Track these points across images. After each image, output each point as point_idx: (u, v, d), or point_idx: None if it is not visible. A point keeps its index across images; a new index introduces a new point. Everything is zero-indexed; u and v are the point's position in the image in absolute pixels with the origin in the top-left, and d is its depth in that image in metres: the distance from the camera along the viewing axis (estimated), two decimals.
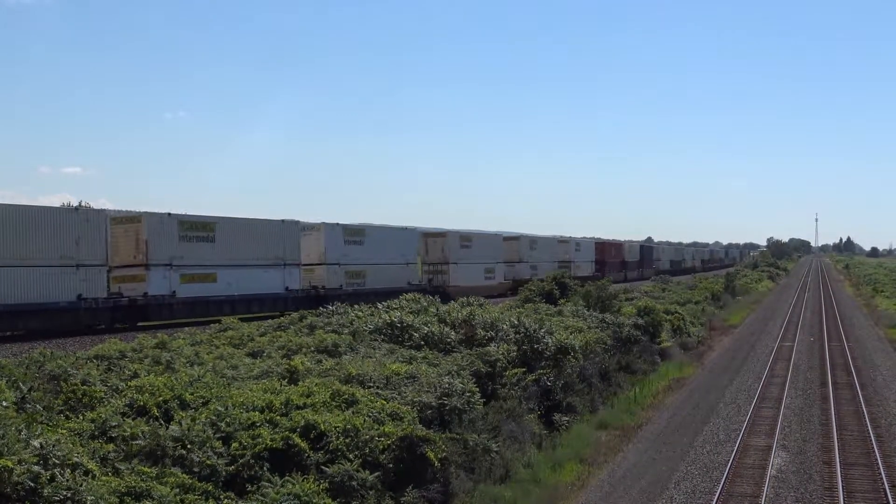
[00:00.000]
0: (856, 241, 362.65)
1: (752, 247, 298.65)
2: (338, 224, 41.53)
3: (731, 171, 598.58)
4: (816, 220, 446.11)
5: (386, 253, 44.65)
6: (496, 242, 59.67)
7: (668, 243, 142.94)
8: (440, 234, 52.60)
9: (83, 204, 41.39)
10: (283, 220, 38.92)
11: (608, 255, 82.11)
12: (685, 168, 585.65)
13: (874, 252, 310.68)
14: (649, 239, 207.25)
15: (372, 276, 42.79)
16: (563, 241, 74.59)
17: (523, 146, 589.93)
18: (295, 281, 38.27)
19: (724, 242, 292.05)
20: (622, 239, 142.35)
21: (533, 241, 67.11)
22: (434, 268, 50.56)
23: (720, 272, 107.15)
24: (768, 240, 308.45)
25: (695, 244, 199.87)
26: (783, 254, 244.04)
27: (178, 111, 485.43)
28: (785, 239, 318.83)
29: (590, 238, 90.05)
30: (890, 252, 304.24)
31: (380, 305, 25.58)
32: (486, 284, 52.57)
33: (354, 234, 42.55)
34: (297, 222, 40.18)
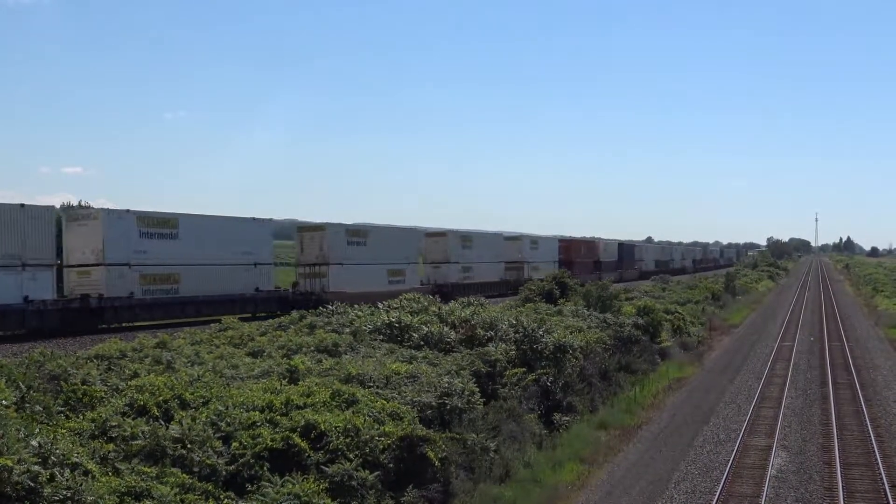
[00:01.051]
0: (856, 240, 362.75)
1: (752, 246, 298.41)
2: (128, 211, 31.94)
3: (731, 171, 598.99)
4: (816, 219, 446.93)
5: (213, 250, 34.92)
6: (410, 238, 50.19)
7: (653, 242, 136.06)
8: (317, 228, 41.91)
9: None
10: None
11: (576, 255, 74.56)
12: (685, 168, 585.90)
13: (874, 252, 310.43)
14: (649, 239, 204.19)
15: (190, 281, 33.71)
16: (512, 239, 65.48)
17: (523, 146, 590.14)
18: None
19: (725, 242, 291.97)
20: (621, 238, 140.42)
21: (466, 238, 56.11)
22: (310, 270, 40.49)
23: (715, 273, 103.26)
24: (768, 239, 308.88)
25: (694, 243, 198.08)
26: (783, 253, 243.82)
27: (178, 111, 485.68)
28: (785, 239, 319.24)
29: (552, 235, 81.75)
30: (890, 252, 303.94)
31: (380, 305, 25.53)
32: (389, 290, 40.12)
33: (159, 225, 32.91)
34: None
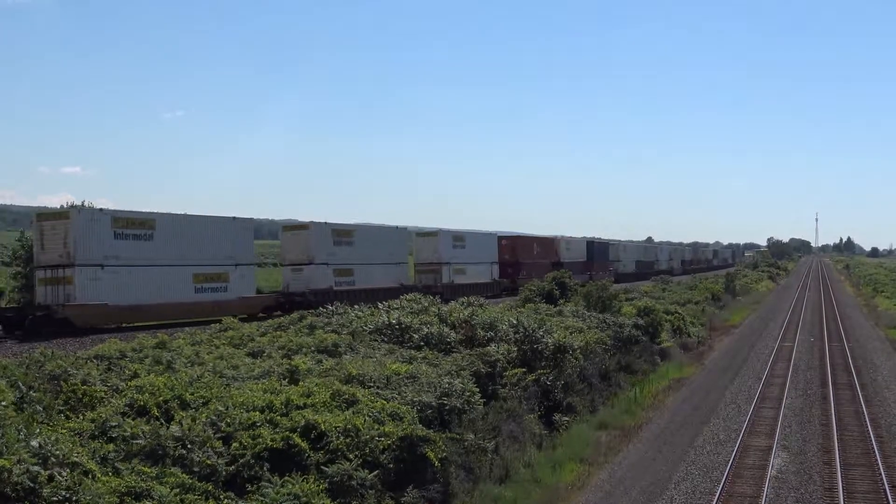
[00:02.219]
0: (856, 241, 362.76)
1: (752, 246, 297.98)
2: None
3: (731, 171, 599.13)
4: (817, 220, 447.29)
5: None
6: (236, 230, 34.89)
7: (634, 241, 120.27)
8: (61, 215, 29.79)
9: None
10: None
11: (526, 255, 63.17)
12: (685, 168, 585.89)
13: (874, 252, 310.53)
14: (649, 239, 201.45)
15: None
16: (426, 235, 52.29)
17: (523, 146, 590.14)
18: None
19: (725, 242, 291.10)
20: (621, 238, 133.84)
21: (345, 233, 42.18)
22: (52, 273, 28.76)
23: (705, 276, 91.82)
24: (768, 240, 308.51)
25: (694, 243, 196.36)
26: (783, 254, 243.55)
27: (176, 111, 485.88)
28: (785, 239, 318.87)
29: (489, 232, 68.20)
30: (890, 252, 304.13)
31: (380, 305, 25.54)
32: (197, 301, 32.13)
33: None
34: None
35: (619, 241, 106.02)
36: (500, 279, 58.43)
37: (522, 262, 61.95)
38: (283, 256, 41.80)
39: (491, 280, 56.54)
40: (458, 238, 53.71)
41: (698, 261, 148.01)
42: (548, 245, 70.00)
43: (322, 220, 41.35)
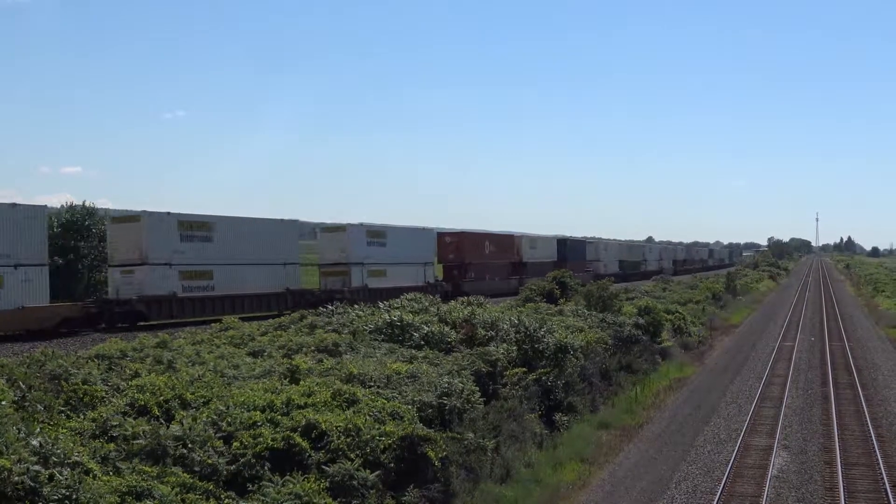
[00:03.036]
0: (856, 240, 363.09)
1: (752, 246, 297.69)
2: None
3: (731, 171, 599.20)
4: (817, 219, 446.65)
5: None
6: (16, 220, 27.70)
7: (616, 240, 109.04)
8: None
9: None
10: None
11: (475, 255, 55.18)
12: (685, 168, 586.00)
13: (875, 252, 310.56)
14: (650, 239, 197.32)
15: None
16: (332, 230, 44.28)
17: (523, 146, 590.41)
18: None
19: (725, 242, 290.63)
20: (622, 238, 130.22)
21: (199, 225, 34.46)
22: None
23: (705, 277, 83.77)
24: (769, 239, 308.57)
25: (694, 243, 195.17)
26: (784, 253, 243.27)
27: (176, 111, 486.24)
28: (786, 239, 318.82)
29: (426, 228, 57.06)
30: (891, 252, 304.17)
31: (381, 305, 25.54)
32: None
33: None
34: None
35: (599, 238, 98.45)
36: (442, 282, 50.19)
37: (470, 262, 53.85)
38: (111, 255, 33.13)
39: (424, 283, 46.34)
40: (376, 234, 44.64)
41: (693, 261, 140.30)
42: (505, 243, 62.01)
43: (166, 210, 33.42)
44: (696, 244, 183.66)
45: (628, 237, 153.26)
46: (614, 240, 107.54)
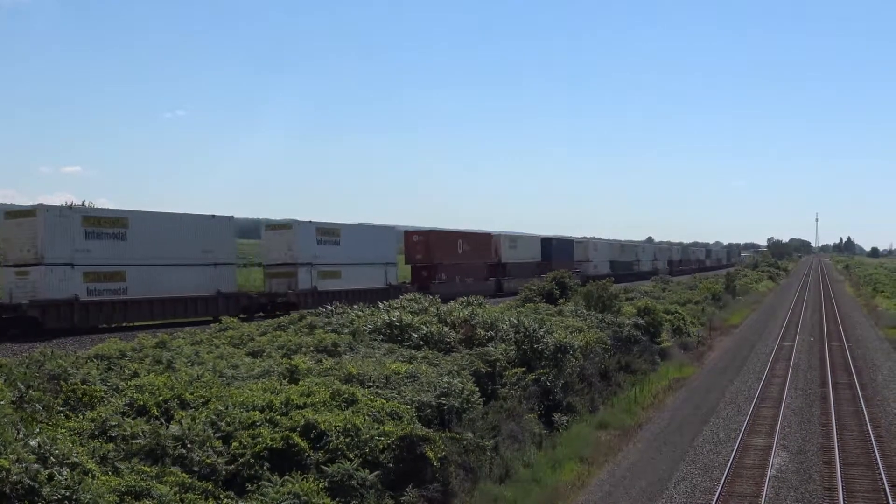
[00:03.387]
0: (856, 241, 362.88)
1: (752, 246, 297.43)
2: None
3: (731, 171, 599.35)
4: (817, 220, 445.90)
5: None
6: None
7: (608, 239, 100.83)
8: None
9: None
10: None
11: (446, 254, 50.27)
12: (685, 168, 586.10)
13: (874, 252, 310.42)
14: (650, 239, 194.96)
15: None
16: (277, 227, 39.79)
17: (523, 146, 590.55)
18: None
19: (725, 242, 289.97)
20: (622, 238, 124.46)
21: (109, 222, 30.41)
22: None
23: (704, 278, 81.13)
24: (769, 240, 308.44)
25: (694, 243, 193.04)
26: (783, 254, 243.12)
27: (176, 110, 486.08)
28: (785, 239, 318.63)
29: (388, 226, 53.85)
30: (890, 252, 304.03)
31: (381, 305, 25.55)
32: None
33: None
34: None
35: (588, 238, 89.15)
36: (408, 284, 45.84)
37: (441, 263, 49.11)
38: (4, 255, 29.73)
39: (386, 285, 42.99)
40: (328, 231, 40.01)
41: (689, 262, 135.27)
42: (481, 242, 56.98)
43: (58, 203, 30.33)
44: (692, 244, 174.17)
45: (628, 237, 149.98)
46: (605, 239, 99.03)
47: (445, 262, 50.14)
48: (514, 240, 63.42)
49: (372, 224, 49.10)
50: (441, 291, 41.76)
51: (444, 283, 47.22)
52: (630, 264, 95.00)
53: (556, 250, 69.27)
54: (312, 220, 39.66)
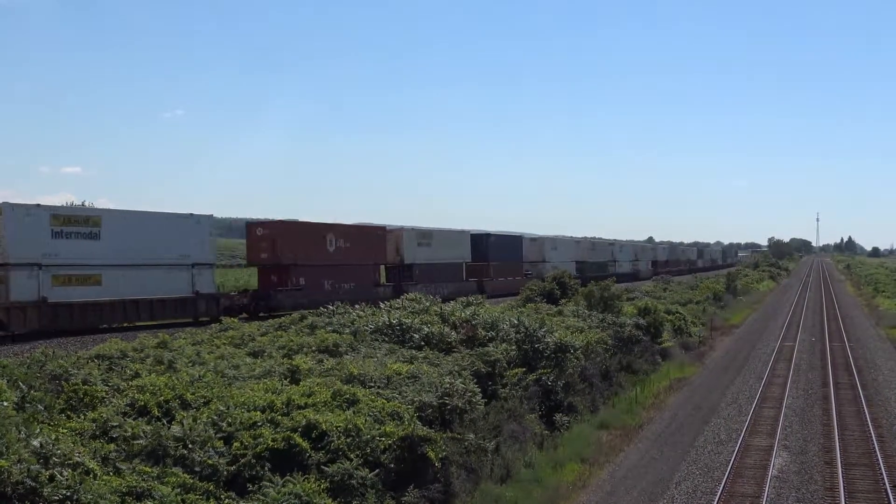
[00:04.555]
0: (857, 241, 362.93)
1: (753, 246, 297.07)
2: None
3: (731, 171, 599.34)
4: (818, 219, 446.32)
5: None
6: None
7: (573, 237, 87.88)
8: None
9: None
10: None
11: (299, 254, 37.77)
12: (685, 168, 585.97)
13: (875, 252, 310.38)
14: (650, 239, 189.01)
15: None
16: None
17: (521, 147, 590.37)
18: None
19: (726, 242, 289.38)
20: (623, 239, 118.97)
21: (96, 220, 29.03)
22: None
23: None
24: (769, 240, 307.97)
25: (695, 243, 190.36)
26: (784, 254, 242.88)
27: (175, 110, 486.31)
28: (786, 239, 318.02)
29: (194, 214, 34.22)
30: (891, 252, 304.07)
31: (382, 305, 25.55)
32: None
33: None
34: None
35: (544, 235, 76.86)
36: (234, 294, 36.76)
37: (296, 264, 37.42)
38: None
39: (192, 294, 32.65)
40: (75, 220, 28.72)
41: (678, 262, 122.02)
42: (371, 238, 43.94)
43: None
44: (681, 244, 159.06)
45: (628, 238, 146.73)
46: (569, 236, 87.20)
47: (304, 263, 37.95)
48: (426, 235, 49.39)
49: (169, 213, 33.98)
50: (292, 301, 34.41)
51: (303, 291, 36.73)
52: (603, 265, 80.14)
53: (494, 248, 56.55)
54: (42, 204, 28.59)
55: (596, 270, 73.80)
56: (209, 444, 10.58)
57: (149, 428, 10.55)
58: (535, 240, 70.89)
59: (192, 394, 12.52)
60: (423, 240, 48.48)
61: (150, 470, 9.53)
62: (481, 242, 55.82)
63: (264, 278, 38.15)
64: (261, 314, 33.35)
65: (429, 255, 47.96)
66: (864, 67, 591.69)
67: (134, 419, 11.09)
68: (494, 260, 55.96)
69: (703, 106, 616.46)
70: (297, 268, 37.77)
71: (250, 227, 39.72)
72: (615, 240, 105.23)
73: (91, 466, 8.93)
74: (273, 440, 11.05)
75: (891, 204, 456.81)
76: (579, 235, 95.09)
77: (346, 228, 43.15)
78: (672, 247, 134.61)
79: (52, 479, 8.16)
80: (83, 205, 37.97)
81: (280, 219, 44.21)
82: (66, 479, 8.20)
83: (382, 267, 45.87)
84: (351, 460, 11.28)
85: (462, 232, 55.45)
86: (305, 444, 11.25)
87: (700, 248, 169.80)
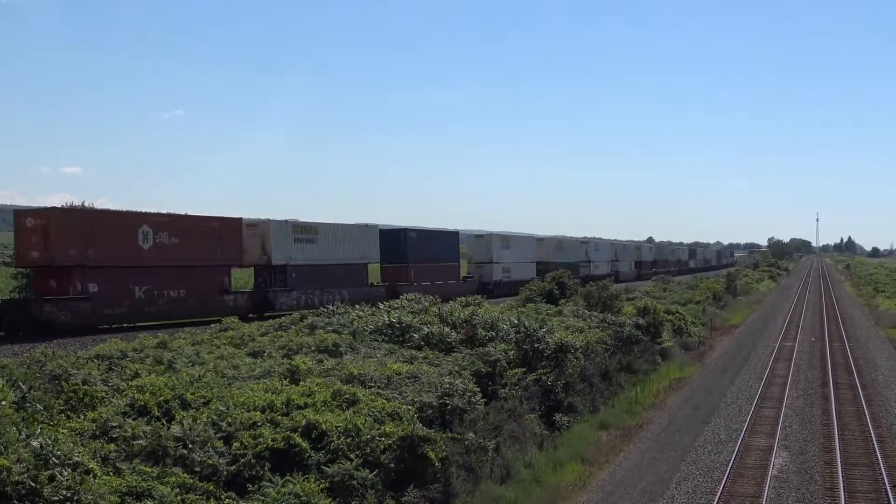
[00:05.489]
0: (857, 241, 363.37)
1: (753, 246, 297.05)
2: None
3: (731, 171, 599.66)
4: (817, 220, 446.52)
5: None
6: None
7: (533, 235, 79.62)
8: None
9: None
10: None
11: (89, 251, 28.26)
12: (685, 168, 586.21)
13: (875, 252, 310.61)
14: (650, 239, 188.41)
15: None
16: None
17: (521, 147, 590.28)
18: None
19: (726, 242, 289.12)
20: (624, 239, 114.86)
21: None
22: None
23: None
24: (769, 240, 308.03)
25: (695, 243, 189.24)
26: (784, 254, 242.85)
27: (175, 110, 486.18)
28: (786, 239, 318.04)
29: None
30: (891, 252, 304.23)
31: (381, 305, 25.56)
32: None
33: None
34: None
35: (493, 232, 65.94)
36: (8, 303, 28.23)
37: (87, 265, 28.32)
38: None
39: None
40: None
41: (666, 263, 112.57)
42: (215, 233, 33.73)
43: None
44: (669, 243, 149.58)
45: (629, 238, 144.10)
46: (529, 234, 78.47)
47: (99, 264, 28.72)
48: (309, 229, 39.38)
49: None
50: (76, 316, 27.35)
51: (94, 301, 28.12)
52: (573, 267, 65.98)
53: (416, 247, 47.06)
54: None
55: (570, 271, 55.89)
56: (209, 444, 10.58)
57: (149, 428, 10.55)
58: (482, 237, 60.94)
59: (192, 394, 12.52)
60: (304, 235, 38.91)
61: (150, 470, 9.53)
62: (397, 239, 46.38)
63: (40, 284, 29.23)
64: (20, 333, 25.72)
65: (312, 255, 39.13)
66: (865, 67, 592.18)
67: (134, 419, 11.09)
68: (417, 261, 46.52)
69: (702, 106, 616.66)
70: (84, 270, 28.38)
71: (18, 215, 29.56)
72: (589, 237, 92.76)
73: (91, 466, 8.92)
74: (273, 440, 11.05)
75: (891, 204, 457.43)
76: (580, 236, 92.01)
77: (173, 220, 32.83)
78: (659, 246, 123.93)
79: (52, 479, 8.15)
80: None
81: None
82: (66, 479, 8.20)
83: (234, 269, 36.53)
84: (351, 460, 11.28)
85: (366, 226, 44.47)
86: (305, 444, 11.25)
87: (692, 247, 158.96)
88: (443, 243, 51.73)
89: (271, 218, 38.36)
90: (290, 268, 37.67)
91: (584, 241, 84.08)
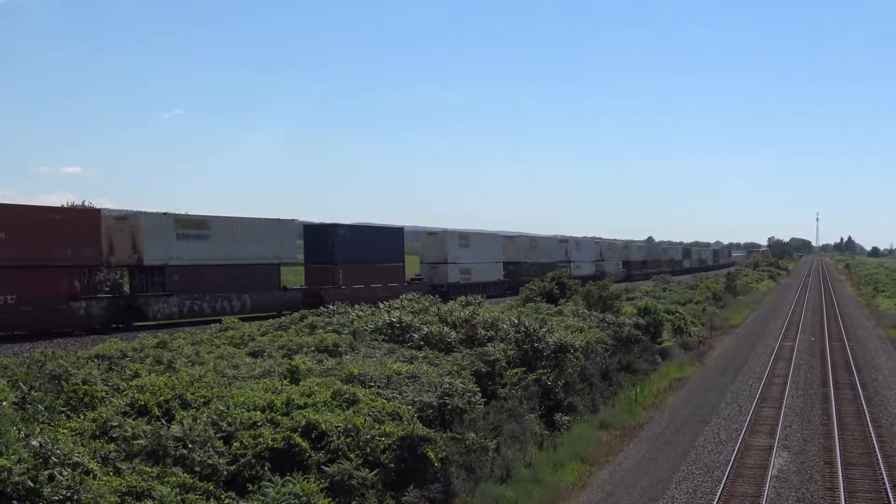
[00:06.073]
0: (857, 240, 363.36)
1: (753, 246, 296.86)
2: None
3: (731, 171, 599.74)
4: (817, 219, 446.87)
5: None
6: None
7: (498, 232, 76.23)
8: None
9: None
10: None
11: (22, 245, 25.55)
12: (685, 168, 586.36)
13: (875, 252, 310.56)
14: (650, 239, 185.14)
15: None
16: None
17: (522, 147, 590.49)
18: None
19: (725, 242, 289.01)
20: (623, 239, 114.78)
21: None
22: None
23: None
24: (769, 239, 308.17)
25: (695, 242, 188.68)
26: (784, 253, 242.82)
27: (174, 110, 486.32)
28: (786, 238, 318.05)
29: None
30: (891, 252, 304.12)
31: (381, 305, 25.56)
32: None
33: None
34: None
35: (447, 229, 60.57)
36: None
37: None
38: None
39: None
40: None
41: (657, 263, 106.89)
42: (62, 228, 28.46)
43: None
44: (661, 242, 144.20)
45: (629, 237, 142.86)
46: (495, 232, 72.29)
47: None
48: (199, 224, 34.30)
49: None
50: None
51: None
52: (550, 267, 54.57)
53: (348, 245, 41.92)
54: None
55: (537, 273, 52.39)
56: (209, 444, 10.58)
57: (149, 428, 10.55)
58: (435, 234, 54.35)
59: (192, 394, 12.53)
60: (189, 230, 33.49)
61: (150, 470, 9.53)
62: (323, 236, 41.41)
63: None
64: None
65: (201, 253, 33.86)
66: (865, 67, 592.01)
67: (134, 419, 11.09)
68: (348, 261, 41.33)
69: (702, 106, 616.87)
70: None
71: None
72: (569, 236, 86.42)
73: (91, 466, 8.93)
74: (273, 440, 11.05)
75: (891, 204, 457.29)
76: (579, 236, 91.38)
77: (4, 211, 27.03)
78: (650, 246, 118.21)
79: (51, 478, 8.15)
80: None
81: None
82: (66, 479, 8.20)
83: (86, 270, 29.74)
84: (351, 460, 11.28)
85: (280, 221, 38.74)
86: (305, 444, 11.25)
87: (686, 247, 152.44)
88: (382, 241, 46.18)
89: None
90: (169, 269, 32.52)
91: (564, 240, 77.98)
